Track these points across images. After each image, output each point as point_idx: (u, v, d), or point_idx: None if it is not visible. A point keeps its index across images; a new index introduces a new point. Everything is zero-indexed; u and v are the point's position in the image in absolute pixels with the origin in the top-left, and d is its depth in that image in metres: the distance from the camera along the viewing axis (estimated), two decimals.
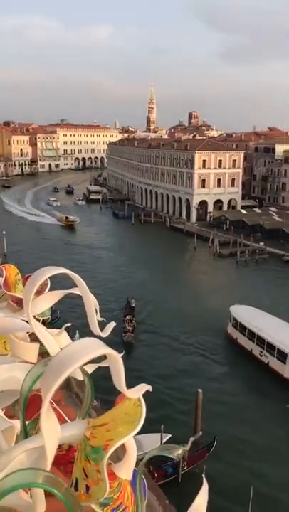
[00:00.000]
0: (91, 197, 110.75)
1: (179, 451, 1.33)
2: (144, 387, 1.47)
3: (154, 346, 34.74)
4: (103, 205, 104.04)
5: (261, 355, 31.96)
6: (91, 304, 1.84)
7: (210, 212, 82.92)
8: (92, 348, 1.33)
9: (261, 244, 63.59)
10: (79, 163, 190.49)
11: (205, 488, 1.32)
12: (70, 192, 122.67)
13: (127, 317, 36.21)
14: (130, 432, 1.31)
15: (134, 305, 39.62)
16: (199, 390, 23.10)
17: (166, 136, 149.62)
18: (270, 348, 31.16)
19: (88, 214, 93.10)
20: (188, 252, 65.85)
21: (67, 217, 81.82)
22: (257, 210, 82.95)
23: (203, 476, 1.33)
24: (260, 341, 32.22)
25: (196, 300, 44.21)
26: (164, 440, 20.41)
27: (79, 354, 1.29)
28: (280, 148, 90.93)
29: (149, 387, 1.51)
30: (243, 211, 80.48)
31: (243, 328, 34.31)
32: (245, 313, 35.44)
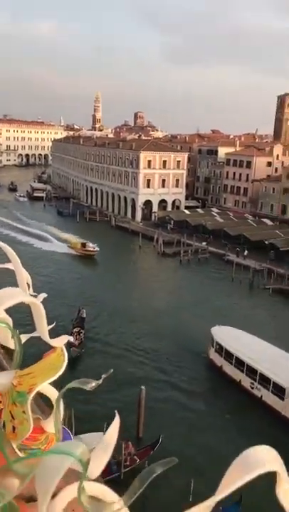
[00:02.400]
0: (35, 194, 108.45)
1: (93, 384, 1.50)
2: (66, 338, 1.63)
3: (104, 358, 31.00)
4: (47, 202, 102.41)
5: (253, 388, 28.16)
6: (24, 279, 1.82)
7: (154, 212, 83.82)
8: (12, 295, 1.43)
9: (204, 243, 65.21)
10: (22, 160, 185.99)
11: (116, 422, 1.46)
12: (13, 189, 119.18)
13: (75, 329, 33.08)
14: (51, 377, 1.47)
15: (84, 316, 36.51)
16: (142, 388, 23.34)
17: (111, 135, 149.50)
18: (264, 380, 27.42)
19: (31, 211, 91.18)
20: (134, 251, 66.24)
21: (84, 245, 61.10)
22: (200, 210, 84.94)
23: (116, 411, 1.46)
24: (251, 372, 28.37)
25: (144, 300, 44.44)
26: None
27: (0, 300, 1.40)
28: (222, 151, 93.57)
29: (70, 338, 1.70)
30: (187, 211, 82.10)
31: (229, 356, 30.21)
32: (230, 337, 31.26)
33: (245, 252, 59.67)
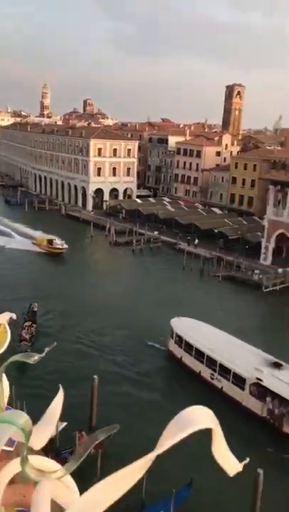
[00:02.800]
0: None
1: (36, 358, 1.41)
2: (8, 314, 1.53)
3: (56, 353, 30.52)
4: None
5: (213, 379, 27.80)
6: None
7: (106, 201, 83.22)
8: None
9: (156, 233, 65.52)
10: None
11: (60, 396, 1.36)
12: None
13: (26, 323, 32.50)
14: None
15: (36, 309, 35.65)
16: (95, 377, 23.18)
17: (60, 123, 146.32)
18: (224, 371, 27.11)
19: None
20: (85, 241, 65.53)
21: (51, 242, 57.30)
22: (151, 199, 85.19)
23: (60, 385, 1.35)
24: (211, 363, 27.95)
25: (98, 291, 43.99)
26: (60, 428, 20.18)
27: None
28: (172, 140, 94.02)
29: (13, 315, 1.59)
30: (139, 200, 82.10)
31: (189, 347, 29.71)
32: (189, 329, 30.86)
33: (196, 241, 60.57)
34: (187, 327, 31.09)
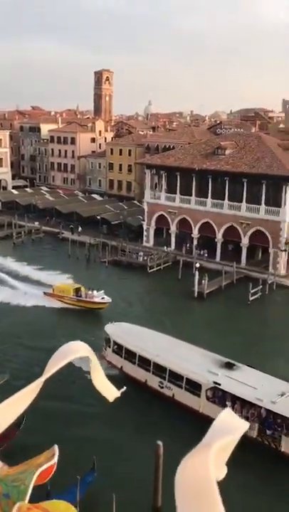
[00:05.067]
0: None
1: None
2: None
3: None
4: None
5: (162, 387, 25.53)
6: None
7: None
8: None
9: (36, 223, 63.78)
10: None
11: None
12: None
13: None
14: None
15: None
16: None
17: None
18: (175, 377, 24.96)
19: None
20: None
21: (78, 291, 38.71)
22: (29, 189, 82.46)
23: None
24: (159, 370, 25.68)
25: None
26: None
27: None
28: (45, 128, 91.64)
29: None
30: (15, 191, 78.92)
31: (131, 355, 27.00)
32: (128, 335, 28.30)
33: (79, 229, 60.30)
34: (125, 333, 28.52)
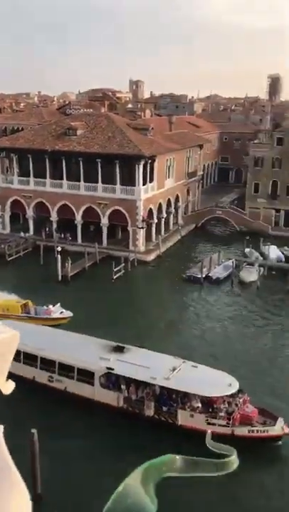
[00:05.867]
0: None
1: None
2: None
3: None
4: None
5: (52, 381, 24.80)
6: None
7: None
8: None
9: None
10: None
11: None
12: None
13: None
14: None
15: None
16: None
17: None
18: (65, 369, 24.45)
19: None
20: None
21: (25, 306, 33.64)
22: None
23: None
24: (47, 364, 24.93)
25: None
26: None
27: None
28: None
29: None
30: None
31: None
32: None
33: None
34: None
